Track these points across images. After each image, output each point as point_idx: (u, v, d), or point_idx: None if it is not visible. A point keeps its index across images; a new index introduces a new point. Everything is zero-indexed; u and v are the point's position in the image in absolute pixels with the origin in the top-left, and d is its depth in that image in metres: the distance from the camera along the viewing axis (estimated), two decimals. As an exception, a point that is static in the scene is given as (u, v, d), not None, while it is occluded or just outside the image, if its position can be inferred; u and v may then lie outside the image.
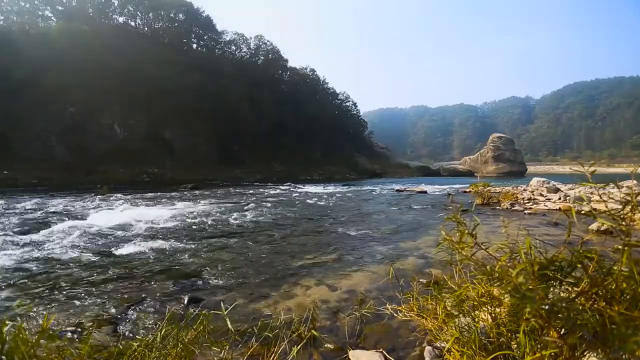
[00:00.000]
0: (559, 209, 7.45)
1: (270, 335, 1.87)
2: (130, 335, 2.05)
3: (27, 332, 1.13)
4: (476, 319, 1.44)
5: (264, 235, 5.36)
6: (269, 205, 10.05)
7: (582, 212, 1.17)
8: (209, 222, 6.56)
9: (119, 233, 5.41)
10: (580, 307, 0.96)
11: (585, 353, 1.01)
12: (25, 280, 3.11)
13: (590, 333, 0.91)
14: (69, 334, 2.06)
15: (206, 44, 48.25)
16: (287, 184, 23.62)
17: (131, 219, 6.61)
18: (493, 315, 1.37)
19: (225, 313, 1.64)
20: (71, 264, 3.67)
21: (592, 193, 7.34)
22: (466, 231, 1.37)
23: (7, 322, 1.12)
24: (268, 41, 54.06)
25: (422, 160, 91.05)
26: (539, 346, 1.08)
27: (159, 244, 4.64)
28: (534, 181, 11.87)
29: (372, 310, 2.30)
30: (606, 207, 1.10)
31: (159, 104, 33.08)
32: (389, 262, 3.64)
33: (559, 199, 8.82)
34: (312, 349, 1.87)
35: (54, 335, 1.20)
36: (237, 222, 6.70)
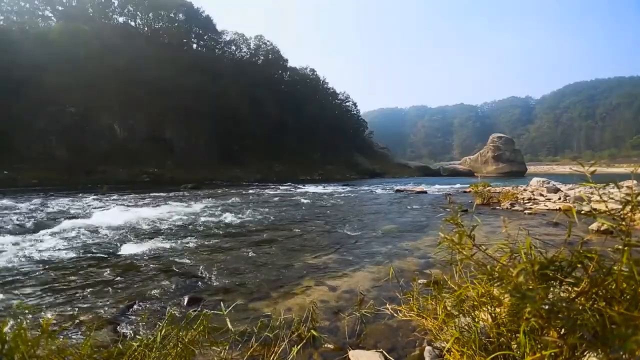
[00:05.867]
0: (559, 209, 7.44)
1: (270, 335, 1.87)
2: (130, 335, 2.05)
3: (27, 332, 1.13)
4: (476, 319, 1.44)
5: (263, 236, 5.36)
6: (269, 205, 10.05)
7: (582, 212, 1.17)
8: (209, 222, 6.56)
9: (119, 233, 5.41)
10: (580, 307, 0.96)
11: (585, 353, 1.01)
12: (26, 281, 3.11)
13: (590, 333, 0.91)
14: (69, 334, 2.06)
15: (206, 44, 48.23)
16: (287, 184, 23.62)
17: (131, 219, 6.62)
18: (493, 315, 1.37)
19: (225, 313, 1.64)
20: (71, 264, 3.67)
21: (592, 193, 7.33)
22: (465, 233, 1.37)
23: (7, 322, 1.12)
24: (268, 41, 54.09)
25: (422, 160, 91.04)
26: (539, 346, 1.08)
27: (158, 244, 4.64)
28: (534, 181, 11.86)
29: (372, 310, 2.30)
30: (606, 207, 1.10)
31: (159, 104, 33.07)
32: (389, 262, 3.64)
33: (559, 199, 8.81)
34: (312, 349, 1.87)
35: (54, 335, 1.19)
36: (237, 222, 6.70)
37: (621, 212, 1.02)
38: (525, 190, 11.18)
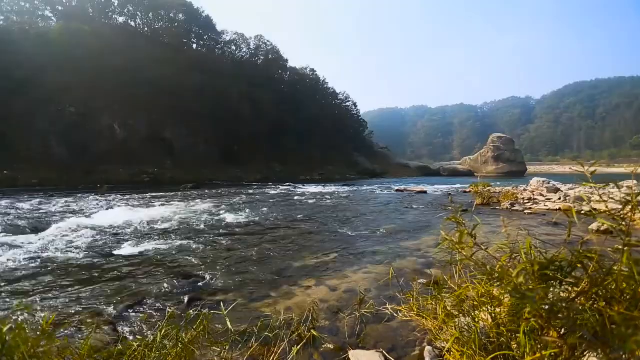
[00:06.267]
0: (559, 209, 7.45)
1: (270, 335, 1.87)
2: (130, 335, 2.05)
3: (27, 332, 1.13)
4: (476, 319, 1.44)
5: (263, 235, 5.36)
6: (269, 205, 10.05)
7: (582, 212, 1.17)
8: (209, 222, 6.56)
9: (119, 233, 5.41)
10: (580, 307, 0.96)
11: (585, 353, 1.01)
12: (25, 280, 3.11)
13: (590, 333, 0.91)
14: (69, 334, 2.06)
15: (206, 44, 48.22)
16: (287, 184, 23.62)
17: (131, 219, 6.61)
18: (493, 315, 1.37)
19: (225, 313, 1.64)
20: (71, 264, 3.67)
21: (592, 193, 7.33)
22: (466, 231, 1.37)
23: (7, 322, 1.12)
24: (268, 41, 54.07)
25: (422, 160, 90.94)
26: (539, 346, 1.08)
27: (158, 244, 4.64)
28: (534, 181, 11.87)
29: (372, 310, 2.30)
30: (606, 207, 1.10)
31: (159, 104, 33.04)
32: (389, 262, 3.64)
33: (559, 199, 8.81)
34: (312, 349, 1.87)
35: (53, 335, 1.20)
36: (237, 222, 6.70)
37: (621, 212, 1.02)
38: (525, 190, 11.18)
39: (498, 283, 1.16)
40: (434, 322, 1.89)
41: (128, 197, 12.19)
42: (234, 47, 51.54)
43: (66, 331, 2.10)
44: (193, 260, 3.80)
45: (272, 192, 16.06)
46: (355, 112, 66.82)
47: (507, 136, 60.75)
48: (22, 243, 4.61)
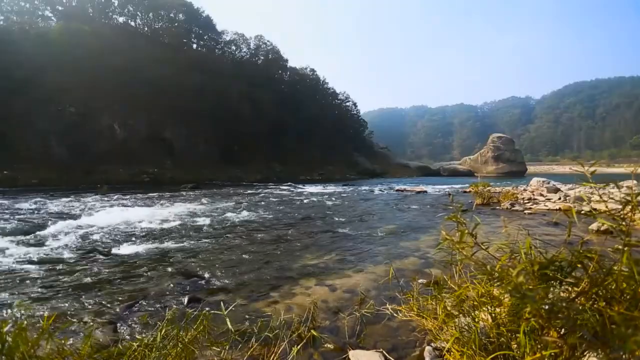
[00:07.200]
0: (559, 209, 7.45)
1: (270, 335, 1.87)
2: (130, 335, 2.05)
3: (27, 332, 1.13)
4: (476, 319, 1.44)
5: (264, 235, 5.36)
6: (269, 205, 10.05)
7: (582, 212, 1.18)
8: (209, 222, 6.56)
9: (119, 233, 5.41)
10: (580, 307, 0.96)
11: (585, 353, 1.01)
12: (25, 280, 3.11)
13: (590, 333, 0.91)
14: (69, 334, 2.06)
15: (206, 44, 48.21)
16: (287, 184, 23.62)
17: (131, 219, 6.61)
18: (493, 315, 1.37)
19: (225, 313, 1.64)
20: (71, 264, 3.67)
21: (592, 193, 7.33)
22: (466, 231, 1.37)
23: (7, 322, 1.12)
24: (268, 41, 54.07)
25: (422, 160, 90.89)
26: (539, 346, 1.08)
27: (158, 243, 4.64)
28: (534, 181, 11.87)
29: (372, 310, 2.30)
30: (606, 207, 1.10)
31: (159, 104, 33.03)
32: (389, 262, 3.64)
33: (559, 199, 8.81)
34: (312, 349, 1.87)
35: (53, 335, 1.19)
36: (237, 222, 6.70)
37: (621, 212, 1.02)
38: (525, 190, 11.18)
39: (498, 283, 1.16)
40: (434, 322, 1.89)
41: (128, 197, 12.19)
42: (234, 47, 51.53)
43: (66, 331, 2.10)
44: (193, 260, 3.80)
45: (272, 192, 16.07)
46: (355, 112, 66.81)
47: (507, 136, 60.76)
48: (22, 243, 4.61)
